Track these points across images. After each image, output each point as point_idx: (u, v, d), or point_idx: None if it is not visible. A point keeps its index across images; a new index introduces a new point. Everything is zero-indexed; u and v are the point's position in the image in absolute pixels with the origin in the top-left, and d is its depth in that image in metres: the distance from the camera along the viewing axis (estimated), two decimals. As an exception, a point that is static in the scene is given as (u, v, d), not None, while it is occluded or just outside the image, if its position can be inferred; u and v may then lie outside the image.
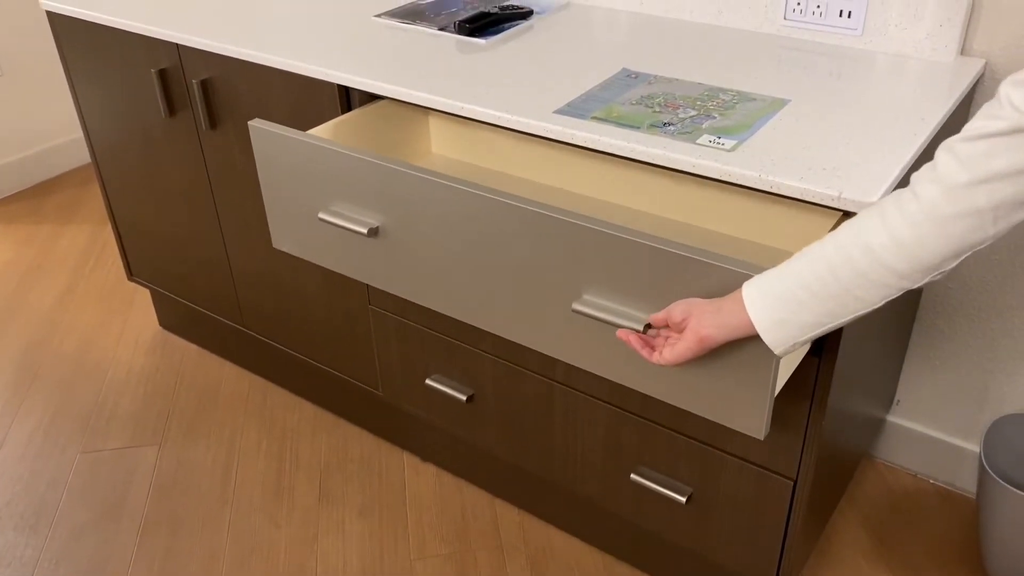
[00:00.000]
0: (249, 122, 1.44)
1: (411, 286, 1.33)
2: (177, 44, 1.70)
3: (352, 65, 1.49)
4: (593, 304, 1.12)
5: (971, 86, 1.38)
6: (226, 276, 2.00)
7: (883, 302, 0.89)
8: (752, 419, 1.05)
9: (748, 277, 0.96)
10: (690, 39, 1.56)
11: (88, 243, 2.81)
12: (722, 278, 0.99)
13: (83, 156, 3.32)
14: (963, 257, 0.84)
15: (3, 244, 2.82)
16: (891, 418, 1.86)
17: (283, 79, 1.57)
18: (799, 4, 1.52)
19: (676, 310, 1.01)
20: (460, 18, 1.63)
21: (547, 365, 1.50)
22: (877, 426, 1.84)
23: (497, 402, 1.62)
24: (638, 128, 1.24)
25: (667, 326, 1.04)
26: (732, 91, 1.33)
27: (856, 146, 1.16)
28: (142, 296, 2.53)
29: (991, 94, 1.45)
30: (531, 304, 1.20)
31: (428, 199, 1.23)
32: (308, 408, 2.11)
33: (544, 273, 1.16)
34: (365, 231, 1.30)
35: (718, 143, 1.18)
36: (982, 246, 0.83)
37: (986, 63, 1.43)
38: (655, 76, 1.40)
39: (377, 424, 2.01)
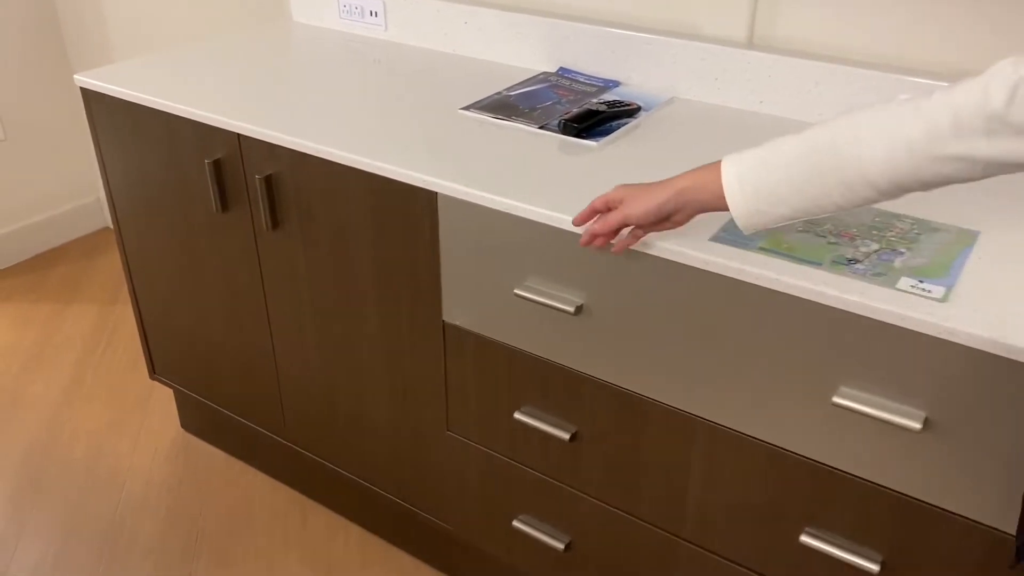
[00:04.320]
0: (438, 191, 1.29)
1: (619, 369, 1.25)
2: (238, 134, 1.50)
3: (449, 169, 1.30)
4: (857, 398, 1.04)
5: None
6: (271, 384, 1.78)
7: (854, 208, 0.90)
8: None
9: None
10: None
11: (95, 325, 2.57)
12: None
13: (86, 225, 3.09)
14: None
15: (0, 325, 2.58)
16: None
17: (364, 180, 1.38)
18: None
19: (615, 192, 1.04)
20: (564, 116, 1.45)
21: (670, 516, 1.30)
22: None
23: (601, 556, 1.41)
24: (819, 264, 1.05)
25: (608, 209, 1.06)
26: (908, 217, 1.16)
27: (1087, 297, 0.99)
28: (160, 393, 2.29)
29: None
30: (775, 395, 1.12)
31: (648, 276, 1.15)
32: (355, 532, 1.87)
33: (794, 361, 1.08)
34: (572, 309, 1.22)
35: (923, 290, 1.00)
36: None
37: None
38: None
39: (443, 560, 1.77)
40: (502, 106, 1.54)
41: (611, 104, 1.48)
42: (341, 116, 1.51)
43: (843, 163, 0.84)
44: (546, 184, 1.26)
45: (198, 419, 2.11)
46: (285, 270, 1.59)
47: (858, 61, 1.45)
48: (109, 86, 1.65)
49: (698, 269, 1.10)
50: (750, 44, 1.54)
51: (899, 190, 0.85)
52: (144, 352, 2.02)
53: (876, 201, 0.87)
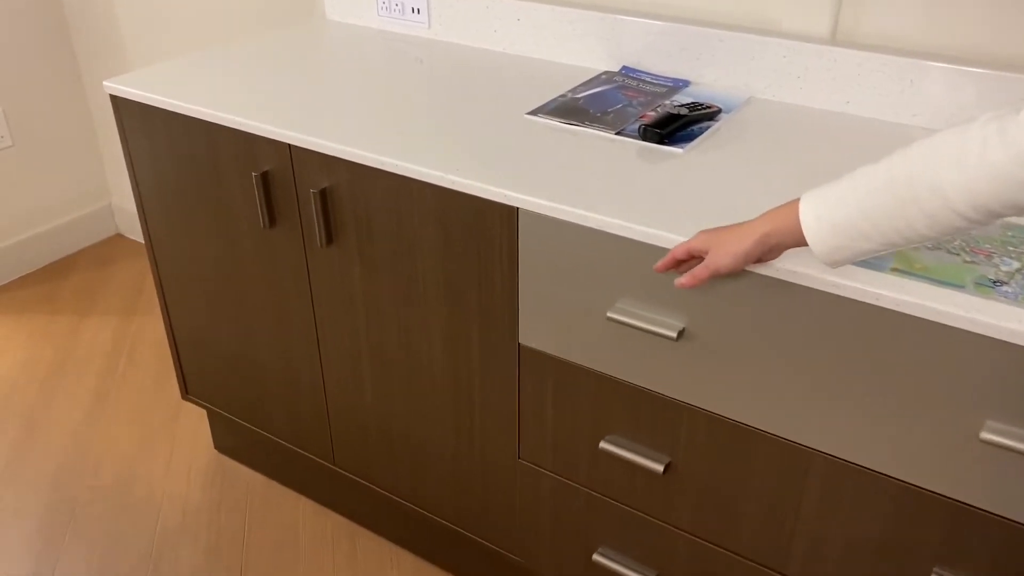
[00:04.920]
0: (519, 207, 1.19)
1: (723, 397, 1.15)
2: (289, 145, 1.40)
3: (528, 182, 1.20)
4: (1007, 432, 0.95)
5: None
6: (318, 406, 1.68)
7: (945, 237, 0.85)
8: None
9: None
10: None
11: (114, 339, 2.46)
12: None
13: (98, 233, 2.97)
14: None
15: (16, 340, 2.46)
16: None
17: (434, 195, 1.27)
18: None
19: (697, 241, 1.01)
20: (642, 120, 1.35)
21: (774, 552, 1.21)
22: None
23: (694, 590, 1.32)
24: (962, 287, 0.96)
25: (690, 257, 1.04)
26: (1043, 231, 1.07)
27: None
28: (189, 411, 2.19)
29: None
30: (909, 428, 1.02)
31: (763, 298, 1.05)
32: (408, 560, 1.78)
33: (933, 392, 0.99)
34: (674, 335, 1.13)
35: (1085, 315, 0.91)
36: None
37: None
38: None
39: (498, 583, 1.68)
40: (571, 110, 1.44)
41: (691, 107, 1.38)
42: (399, 123, 1.40)
43: (922, 194, 0.81)
44: (636, 197, 1.17)
45: (233, 439, 2.01)
46: (338, 288, 1.48)
47: (956, 57, 1.35)
48: (143, 93, 1.54)
49: (823, 292, 1.00)
50: (834, 40, 1.44)
51: (989, 216, 0.80)
52: (176, 371, 1.91)
53: (968, 228, 0.82)
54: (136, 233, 2.97)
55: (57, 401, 2.22)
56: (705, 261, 1.00)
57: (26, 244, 2.77)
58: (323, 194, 1.39)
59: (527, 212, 1.19)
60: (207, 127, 1.48)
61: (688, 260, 1.05)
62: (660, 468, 1.23)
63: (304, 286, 1.53)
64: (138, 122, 1.59)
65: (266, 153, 1.43)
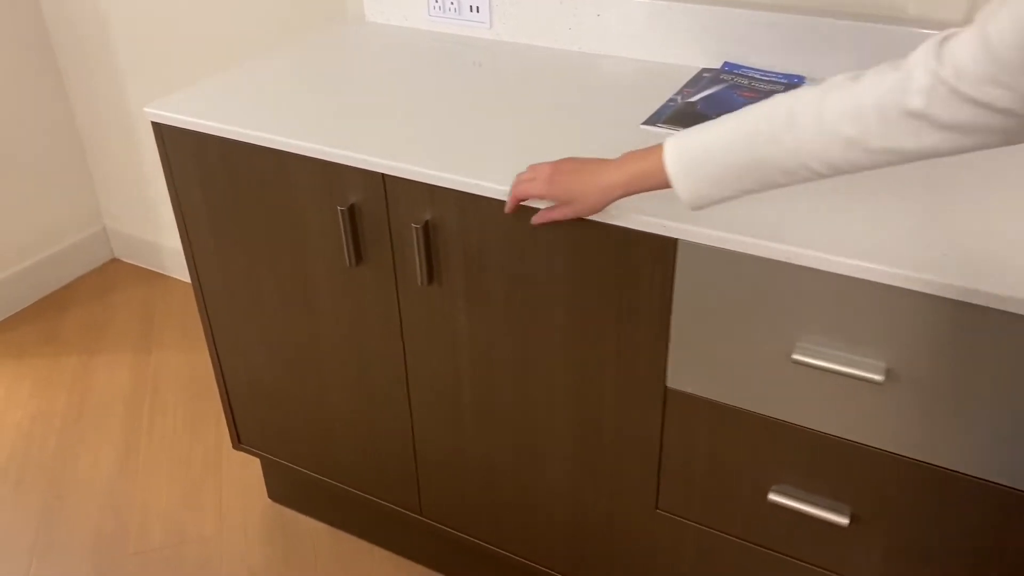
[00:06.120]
0: (679, 237, 1.05)
1: (932, 443, 1.02)
2: (383, 175, 1.23)
3: (679, 208, 1.05)
4: None
5: None
6: (403, 453, 1.52)
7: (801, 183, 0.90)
8: None
9: None
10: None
11: (133, 379, 2.26)
12: None
13: (93, 259, 2.74)
14: None
15: (22, 388, 2.24)
16: None
17: (565, 225, 1.12)
18: None
19: (555, 188, 1.05)
20: (784, 126, 1.21)
21: (980, 608, 1.09)
22: None
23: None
24: None
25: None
26: None
27: None
28: (231, 457, 2.00)
29: None
30: None
31: (993, 333, 0.92)
32: (507, 612, 1.63)
33: None
34: (880, 378, 0.99)
35: None
36: None
37: None
38: None
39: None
40: (688, 116, 1.29)
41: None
42: (502, 143, 1.24)
43: (782, 153, 0.86)
44: (806, 219, 1.03)
45: (291, 488, 1.83)
46: (438, 328, 1.32)
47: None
48: (195, 120, 1.35)
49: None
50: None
51: (840, 173, 0.86)
52: (228, 420, 1.73)
53: (819, 179, 0.88)
54: (135, 257, 2.75)
55: (82, 456, 2.02)
56: (568, 210, 1.05)
57: (17, 277, 2.54)
58: (425, 228, 1.23)
59: (688, 244, 1.05)
60: (278, 157, 1.30)
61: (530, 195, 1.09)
62: (844, 520, 1.10)
63: (394, 327, 1.36)
64: (188, 153, 1.40)
65: (353, 184, 1.26)
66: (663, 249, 1.07)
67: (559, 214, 1.07)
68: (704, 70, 1.46)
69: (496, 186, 1.14)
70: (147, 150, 2.47)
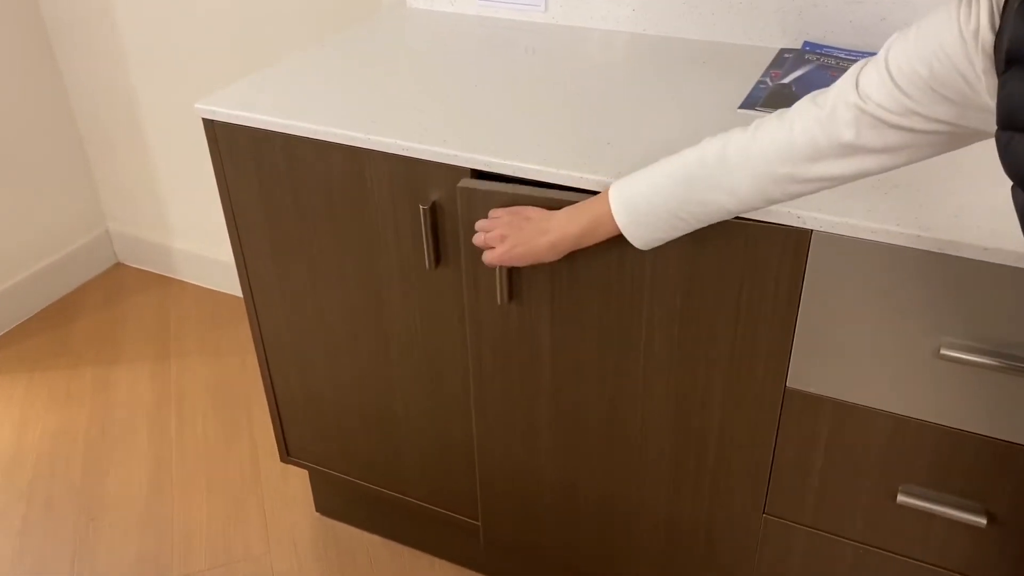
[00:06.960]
0: (813, 228, 0.99)
1: None
2: (471, 170, 1.14)
3: (812, 198, 0.99)
4: None
5: None
6: (463, 465, 1.44)
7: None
8: None
9: None
10: None
11: (155, 390, 2.15)
12: None
13: (98, 263, 2.62)
14: None
15: (37, 403, 2.13)
16: None
17: (681, 219, 1.05)
18: None
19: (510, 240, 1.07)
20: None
21: None
22: None
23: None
24: None
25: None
26: None
27: None
28: (271, 468, 1.91)
29: None
30: None
31: None
32: (583, 621, 1.56)
33: None
34: None
35: None
36: None
37: None
38: None
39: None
40: (784, 98, 1.23)
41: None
42: (594, 133, 1.17)
43: (722, 195, 0.92)
44: (941, 200, 0.97)
45: (340, 499, 1.75)
46: (513, 341, 1.24)
47: None
48: (255, 115, 1.25)
49: None
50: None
51: (777, 203, 0.92)
52: (276, 433, 1.64)
53: (760, 209, 0.95)
54: (141, 261, 2.63)
55: (111, 473, 1.92)
56: (516, 255, 1.07)
57: (21, 286, 2.41)
58: (518, 226, 1.15)
59: (823, 234, 0.98)
60: (352, 153, 1.22)
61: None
62: (982, 521, 1.05)
63: (458, 332, 1.28)
64: (245, 153, 1.31)
65: (436, 180, 1.18)
66: (795, 241, 1.00)
67: (506, 259, 1.08)
68: (784, 50, 1.40)
69: (600, 178, 1.06)
70: (154, 148, 2.35)
